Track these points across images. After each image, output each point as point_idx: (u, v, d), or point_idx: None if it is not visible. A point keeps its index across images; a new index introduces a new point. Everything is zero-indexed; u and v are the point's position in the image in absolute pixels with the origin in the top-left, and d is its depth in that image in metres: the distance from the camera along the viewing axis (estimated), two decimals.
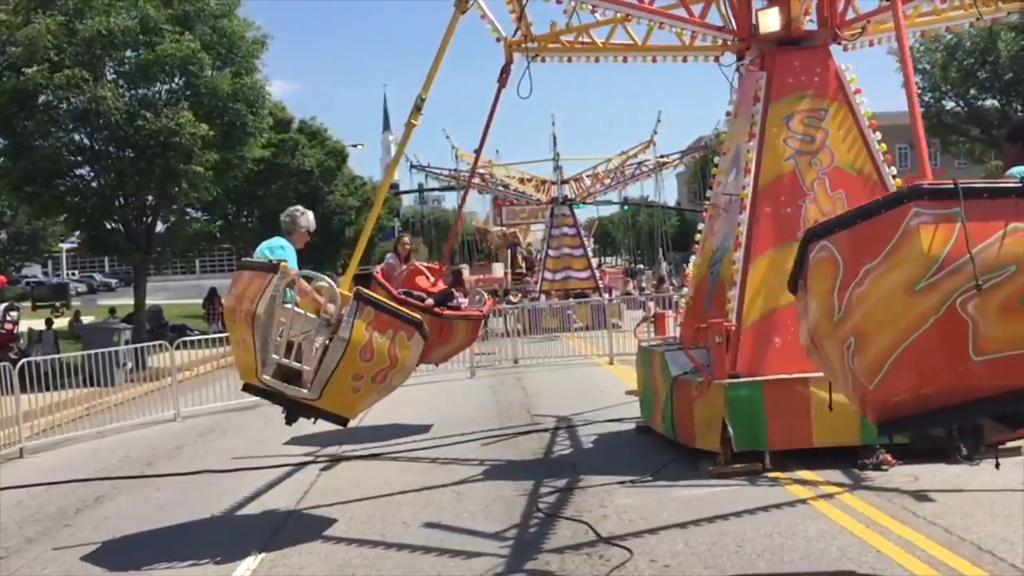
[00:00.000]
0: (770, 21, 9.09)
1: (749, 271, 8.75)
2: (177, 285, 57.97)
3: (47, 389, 13.60)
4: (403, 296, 9.74)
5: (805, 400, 8.06)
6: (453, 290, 10.87)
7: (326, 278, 7.29)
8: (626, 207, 55.04)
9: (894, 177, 9.04)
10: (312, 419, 7.22)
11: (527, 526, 7.04)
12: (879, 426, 4.85)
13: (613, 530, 6.70)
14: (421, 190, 45.16)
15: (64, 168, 21.46)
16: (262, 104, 23.11)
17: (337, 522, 7.50)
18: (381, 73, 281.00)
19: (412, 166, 32.56)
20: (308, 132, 36.97)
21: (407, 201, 71.20)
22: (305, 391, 6.78)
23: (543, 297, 28.35)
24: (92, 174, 22.16)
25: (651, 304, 22.55)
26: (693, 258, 10.64)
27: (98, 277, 68.05)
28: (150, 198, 23.12)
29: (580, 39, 10.82)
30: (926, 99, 36.14)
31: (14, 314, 21.01)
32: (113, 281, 64.38)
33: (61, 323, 28.29)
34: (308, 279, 7.13)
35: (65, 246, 55.91)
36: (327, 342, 6.79)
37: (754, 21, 9.32)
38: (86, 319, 29.36)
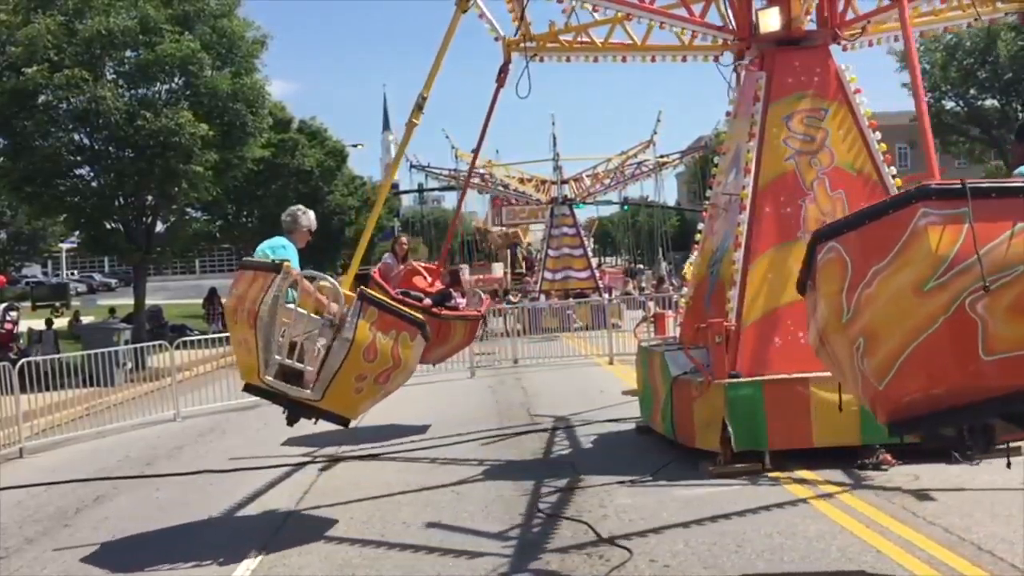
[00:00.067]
0: (770, 21, 9.09)
1: (749, 271, 8.75)
2: (177, 285, 57.98)
3: (47, 389, 13.60)
4: (400, 296, 9.72)
5: (805, 400, 8.06)
6: (451, 290, 10.87)
7: (329, 278, 7.29)
8: (626, 207, 55.01)
9: (894, 177, 9.05)
10: (313, 420, 7.22)
11: (527, 526, 7.04)
12: (889, 427, 4.84)
13: (613, 530, 6.70)
14: (421, 190, 45.17)
15: (64, 168, 21.46)
16: (262, 104, 23.11)
17: (337, 522, 7.50)
18: (381, 73, 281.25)
19: (412, 166, 32.56)
20: (308, 132, 36.97)
21: (407, 201, 71.24)
22: (308, 392, 6.77)
23: (543, 297, 28.35)
24: (92, 174, 22.16)
25: (651, 304, 22.53)
26: (691, 257, 10.64)
27: (98, 277, 68.11)
28: (150, 198, 23.11)
29: (579, 39, 10.81)
30: (926, 99, 36.11)
31: (14, 314, 21.00)
32: (113, 281, 64.43)
33: (61, 323, 28.27)
34: (311, 279, 7.12)
35: (65, 246, 55.93)
36: (330, 343, 6.78)
37: (754, 21, 9.31)
38: (86, 319, 29.35)
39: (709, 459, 8.25)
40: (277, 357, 6.74)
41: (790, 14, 9.08)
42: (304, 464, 9.94)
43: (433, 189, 46.20)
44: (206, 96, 21.30)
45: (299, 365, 6.83)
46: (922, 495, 7.10)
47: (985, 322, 4.20)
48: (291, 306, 6.85)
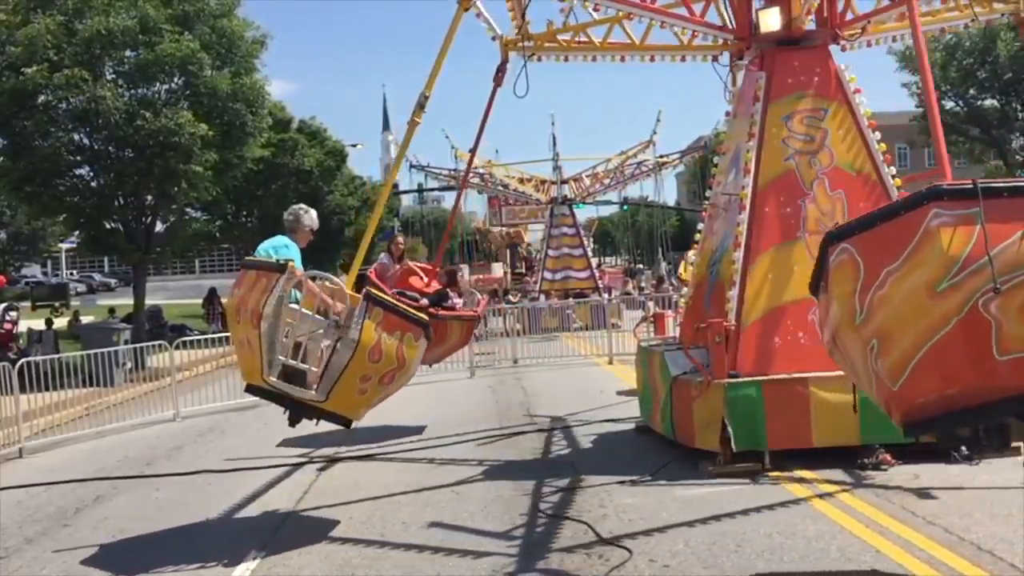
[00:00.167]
0: (770, 21, 9.09)
1: (749, 271, 8.75)
2: (177, 285, 57.95)
3: (46, 389, 13.58)
4: (397, 296, 9.71)
5: (805, 400, 8.06)
6: (448, 290, 10.85)
7: (334, 278, 7.28)
8: (626, 207, 55.01)
9: (893, 177, 9.05)
10: (315, 420, 7.21)
11: (527, 526, 7.04)
12: (904, 427, 4.83)
13: (613, 530, 6.70)
14: (420, 190, 45.10)
15: (63, 168, 21.45)
16: (262, 104, 23.11)
17: (337, 522, 7.50)
18: (381, 73, 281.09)
19: (412, 166, 32.56)
20: (308, 132, 36.94)
21: (406, 201, 71.16)
22: (312, 392, 6.75)
23: (543, 297, 28.35)
24: (91, 174, 22.15)
25: (650, 304, 22.53)
26: (689, 256, 10.64)
27: (97, 277, 68.11)
28: (149, 198, 23.11)
29: (577, 38, 10.79)
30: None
31: (13, 314, 20.98)
32: (112, 281, 64.45)
33: (60, 323, 28.26)
34: (314, 279, 7.12)
35: (64, 246, 55.94)
36: (335, 343, 6.76)
37: (754, 20, 9.32)
38: (85, 319, 29.33)
39: (709, 459, 8.25)
40: (281, 358, 6.73)
41: (790, 14, 9.09)
42: (303, 464, 9.94)
43: (433, 189, 46.12)
44: (206, 96, 21.30)
45: (303, 366, 6.82)
46: (922, 495, 7.10)
47: (999, 322, 4.20)
48: (295, 306, 6.84)
